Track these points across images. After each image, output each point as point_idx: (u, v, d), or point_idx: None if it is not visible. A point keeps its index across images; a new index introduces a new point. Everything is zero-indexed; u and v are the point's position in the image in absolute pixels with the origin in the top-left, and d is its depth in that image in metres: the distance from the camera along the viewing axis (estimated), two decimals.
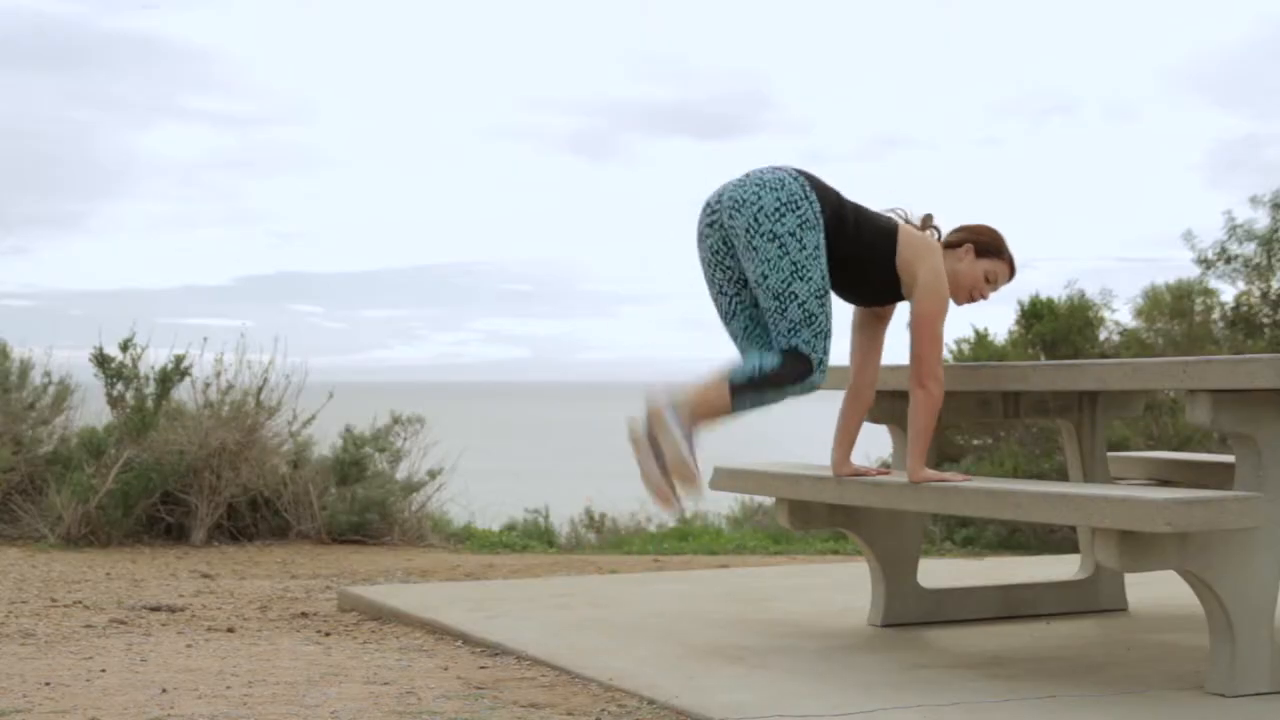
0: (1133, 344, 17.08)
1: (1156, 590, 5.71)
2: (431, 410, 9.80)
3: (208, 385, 8.78)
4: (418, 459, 9.22)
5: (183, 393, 8.81)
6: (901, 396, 4.76)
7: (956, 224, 4.60)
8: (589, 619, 5.25)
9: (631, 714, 3.82)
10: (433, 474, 9.18)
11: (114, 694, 4.07)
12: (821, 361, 4.18)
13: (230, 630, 5.32)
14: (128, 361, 8.70)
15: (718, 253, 4.32)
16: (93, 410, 9.00)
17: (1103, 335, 17.36)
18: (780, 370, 4.14)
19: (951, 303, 4.46)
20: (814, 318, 4.15)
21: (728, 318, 4.34)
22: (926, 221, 4.56)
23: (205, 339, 8.92)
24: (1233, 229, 17.60)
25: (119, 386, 8.70)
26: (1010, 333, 17.41)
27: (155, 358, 8.78)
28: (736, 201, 4.20)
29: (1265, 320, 17.20)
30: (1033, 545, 13.61)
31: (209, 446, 8.40)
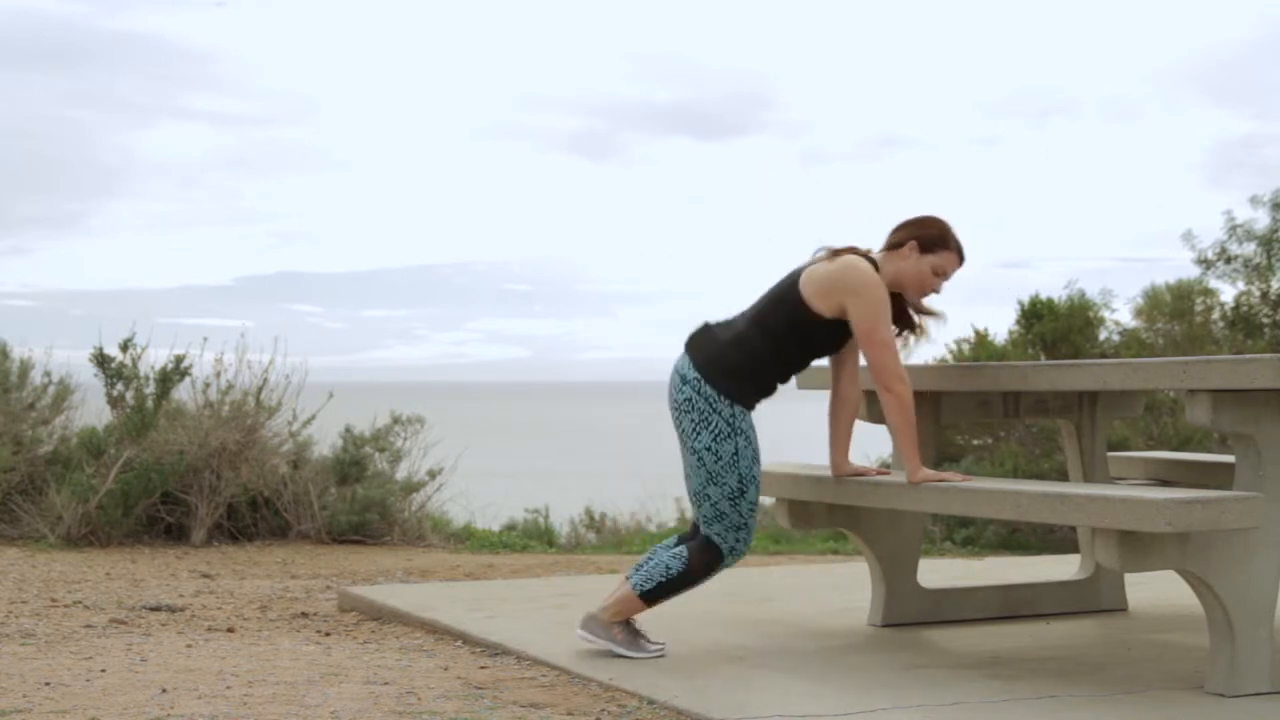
0: (1133, 344, 17.07)
1: (1156, 590, 5.72)
2: (431, 410, 9.80)
3: (208, 385, 8.78)
4: (418, 459, 9.23)
5: (183, 393, 8.81)
6: None
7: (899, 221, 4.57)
8: None
9: (631, 714, 3.83)
10: (433, 474, 9.18)
11: (114, 694, 4.07)
12: (733, 549, 4.47)
13: (230, 630, 5.32)
14: (128, 361, 8.70)
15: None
16: (93, 410, 9.00)
17: (1103, 335, 17.35)
18: (687, 569, 4.48)
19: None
20: (724, 515, 4.44)
21: (686, 477, 4.58)
22: (837, 252, 4.52)
23: (205, 339, 8.93)
24: (1233, 229, 17.60)
25: (119, 386, 8.70)
26: (1010, 333, 17.40)
27: (155, 358, 8.78)
28: (673, 418, 4.54)
29: (1265, 320, 17.19)
30: (1033, 545, 13.60)
31: (209, 446, 8.40)
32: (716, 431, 4.41)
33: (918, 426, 4.51)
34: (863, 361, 4.59)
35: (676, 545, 4.55)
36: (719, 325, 4.53)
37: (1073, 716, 3.71)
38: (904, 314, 4.57)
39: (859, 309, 4.38)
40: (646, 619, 4.59)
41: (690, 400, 4.44)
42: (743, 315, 4.53)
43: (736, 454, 4.41)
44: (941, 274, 4.52)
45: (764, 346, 4.44)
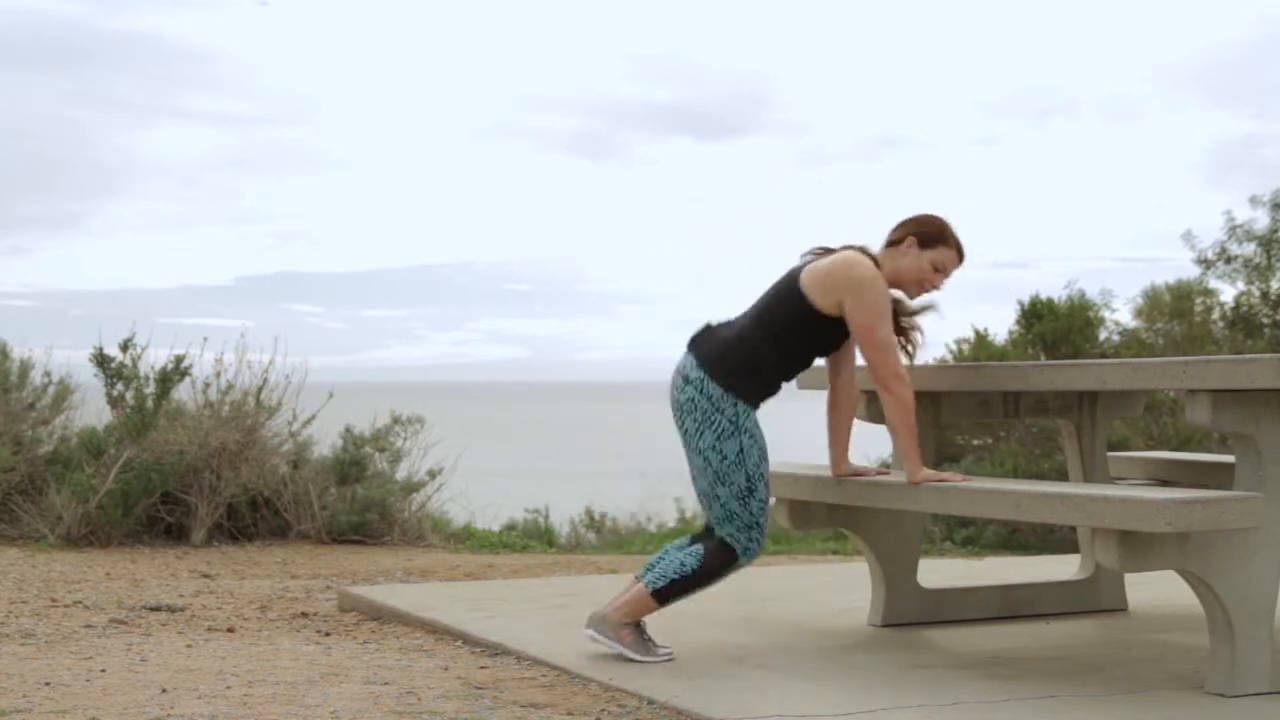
0: (1133, 344, 17.08)
1: (1156, 590, 5.72)
2: (431, 410, 9.80)
3: (208, 385, 8.78)
4: (418, 459, 9.22)
5: (183, 393, 8.81)
6: None
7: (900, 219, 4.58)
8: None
9: (631, 714, 3.83)
10: (433, 474, 9.18)
11: (114, 694, 4.07)
12: (746, 549, 4.45)
13: (230, 630, 5.32)
14: (128, 361, 8.70)
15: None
16: (93, 410, 9.00)
17: (1103, 335, 17.36)
18: (701, 567, 4.45)
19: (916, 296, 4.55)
20: (735, 515, 4.42)
21: (692, 479, 4.55)
22: (826, 250, 4.54)
23: (205, 339, 8.93)
24: (1232, 229, 17.61)
25: (119, 386, 8.70)
26: (1010, 333, 17.42)
27: (155, 358, 8.78)
28: (676, 420, 4.52)
29: (1265, 320, 17.20)
30: (1033, 545, 13.61)
31: (209, 446, 8.40)
32: (720, 430, 4.39)
33: (918, 426, 4.51)
34: (860, 361, 4.59)
35: (691, 544, 4.52)
36: (721, 325, 4.52)
37: (1073, 716, 3.71)
38: (896, 320, 4.54)
39: (858, 307, 4.37)
40: (653, 620, 4.58)
41: (693, 400, 4.43)
42: (744, 314, 4.53)
43: (741, 452, 4.39)
44: (941, 270, 4.51)
45: (766, 344, 4.43)
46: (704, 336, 4.51)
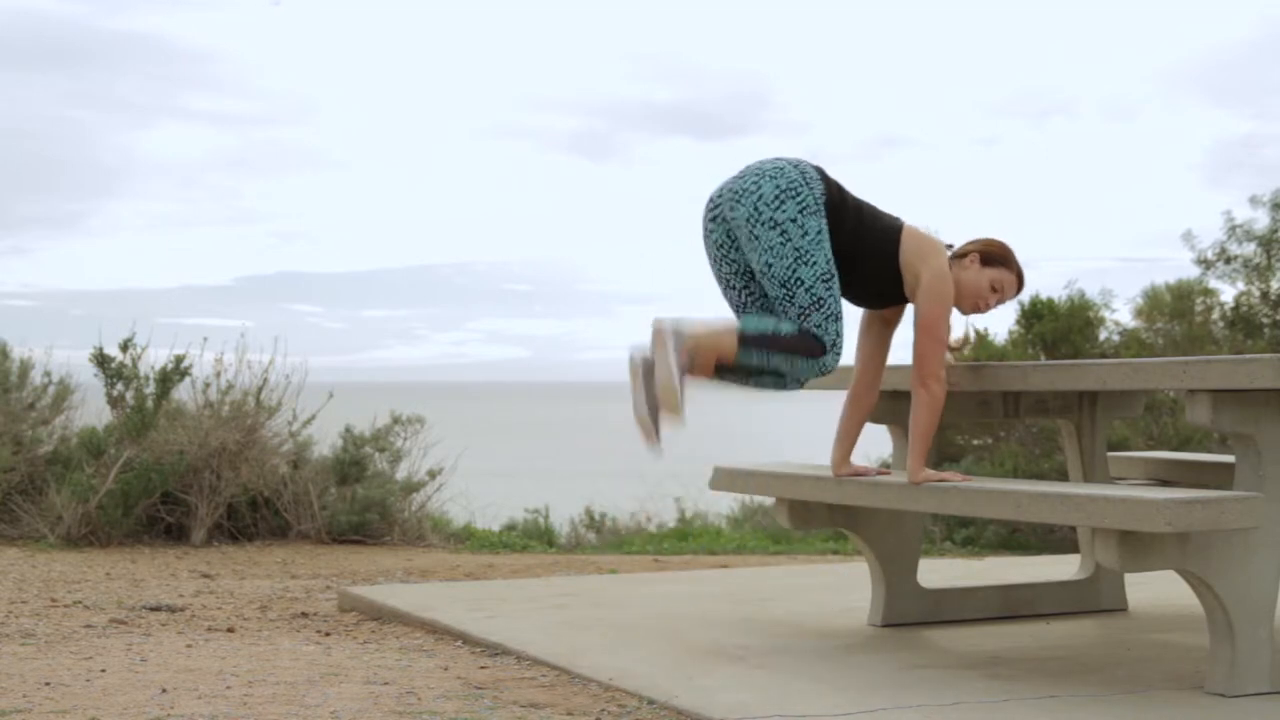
0: (1133, 344, 17.07)
1: (1156, 590, 5.72)
2: (431, 410, 9.80)
3: (208, 385, 8.78)
4: (418, 459, 9.22)
5: (183, 393, 8.81)
6: (901, 396, 4.77)
7: (969, 234, 4.56)
8: (589, 619, 5.25)
9: (631, 714, 3.83)
10: (433, 474, 9.18)
11: (114, 694, 4.07)
12: (834, 343, 4.18)
13: (230, 630, 5.33)
14: (128, 361, 8.70)
15: (722, 247, 4.34)
16: (93, 410, 9.00)
17: (1103, 335, 17.34)
18: (795, 338, 4.13)
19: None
20: (822, 301, 4.15)
21: (739, 310, 4.34)
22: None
23: (205, 339, 8.93)
24: (1232, 229, 17.60)
25: (119, 386, 8.70)
26: (1010, 333, 17.40)
27: (155, 358, 8.79)
28: (736, 193, 4.24)
29: (1265, 320, 17.19)
30: (1033, 545, 13.60)
31: (209, 446, 8.40)
32: (805, 205, 4.15)
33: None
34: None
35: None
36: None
37: (1073, 716, 3.71)
38: None
39: (932, 293, 4.29)
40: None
41: (782, 170, 4.18)
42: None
43: (821, 233, 4.16)
44: (998, 291, 4.45)
45: (852, 215, 4.28)
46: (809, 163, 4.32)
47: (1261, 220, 17.56)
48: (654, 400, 4.10)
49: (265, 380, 8.87)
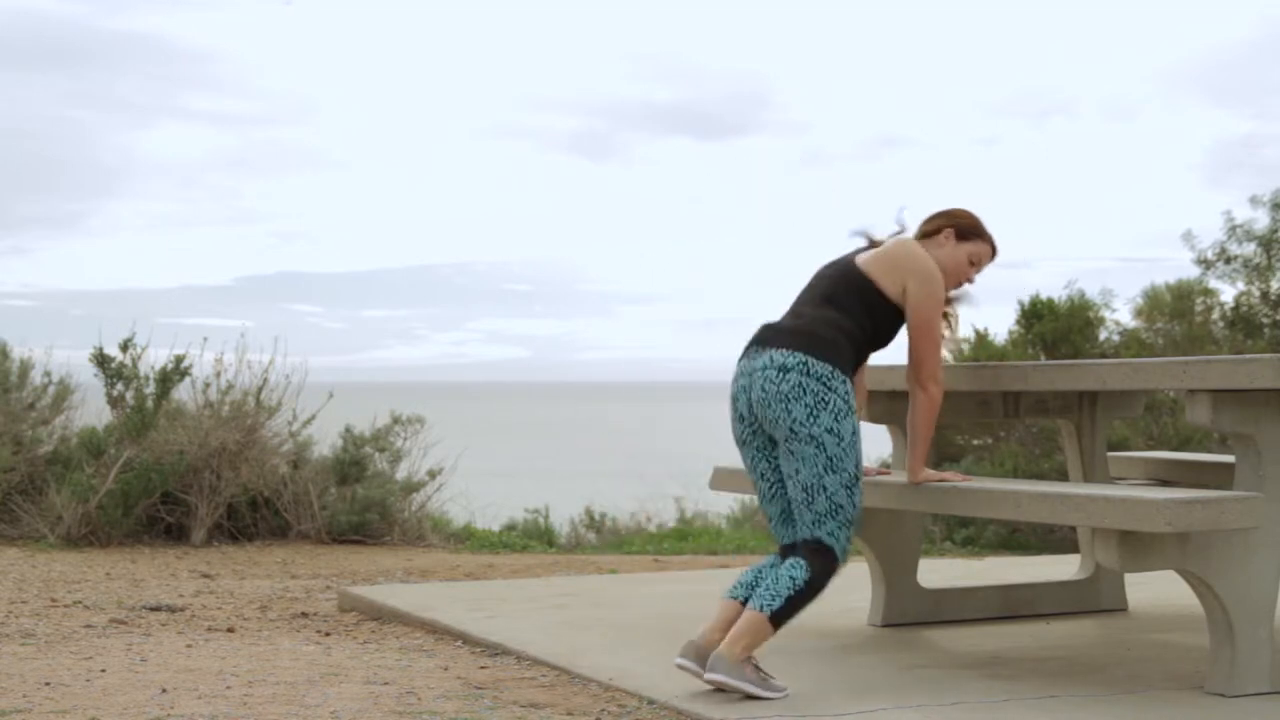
0: (1133, 344, 17.07)
1: (1156, 590, 5.72)
2: (431, 410, 9.80)
3: (208, 385, 8.79)
4: (418, 459, 9.23)
5: (183, 393, 8.82)
6: (899, 396, 4.76)
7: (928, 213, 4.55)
8: (589, 619, 5.25)
9: (631, 714, 3.83)
10: (433, 474, 9.18)
11: (114, 694, 4.07)
12: (845, 550, 4.15)
13: (230, 630, 5.32)
14: (128, 361, 8.70)
15: (762, 449, 4.28)
16: (93, 410, 9.00)
17: (1103, 335, 17.34)
18: (810, 580, 4.08)
19: None
20: (840, 510, 4.12)
21: (767, 500, 4.31)
22: (874, 243, 4.46)
23: (205, 339, 8.94)
24: (1232, 229, 17.60)
25: (119, 386, 8.70)
26: (1010, 333, 17.40)
27: (155, 358, 8.79)
28: (771, 417, 4.17)
29: (1265, 320, 17.19)
30: (1033, 545, 13.60)
31: (209, 446, 8.40)
32: (836, 411, 4.12)
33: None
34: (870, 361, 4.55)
35: (784, 559, 4.17)
36: (782, 320, 4.33)
37: (1073, 716, 3.71)
38: None
39: (921, 297, 4.28)
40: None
41: (800, 385, 4.12)
42: (803, 305, 4.33)
43: (854, 433, 4.15)
44: (976, 263, 4.46)
45: (849, 323, 4.26)
46: (775, 331, 4.27)
47: (1261, 220, 17.56)
48: (750, 681, 3.99)
49: (265, 380, 8.88)
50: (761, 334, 4.25)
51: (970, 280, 4.49)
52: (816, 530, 4.11)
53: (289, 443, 8.96)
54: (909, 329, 4.33)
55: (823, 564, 4.09)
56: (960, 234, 4.45)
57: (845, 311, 4.25)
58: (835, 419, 4.11)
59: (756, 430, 4.24)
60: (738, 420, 4.27)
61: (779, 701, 3.84)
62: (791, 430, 4.13)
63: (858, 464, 4.16)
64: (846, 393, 4.15)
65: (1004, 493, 4.11)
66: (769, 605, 4.01)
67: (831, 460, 4.10)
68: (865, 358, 4.34)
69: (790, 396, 4.12)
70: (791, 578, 4.05)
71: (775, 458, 4.25)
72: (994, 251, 4.51)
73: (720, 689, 3.95)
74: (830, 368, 4.13)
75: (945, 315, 4.48)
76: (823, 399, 4.12)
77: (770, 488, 4.26)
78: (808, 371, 4.13)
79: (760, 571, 4.18)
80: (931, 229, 4.47)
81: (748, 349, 4.26)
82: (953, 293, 4.51)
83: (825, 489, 4.10)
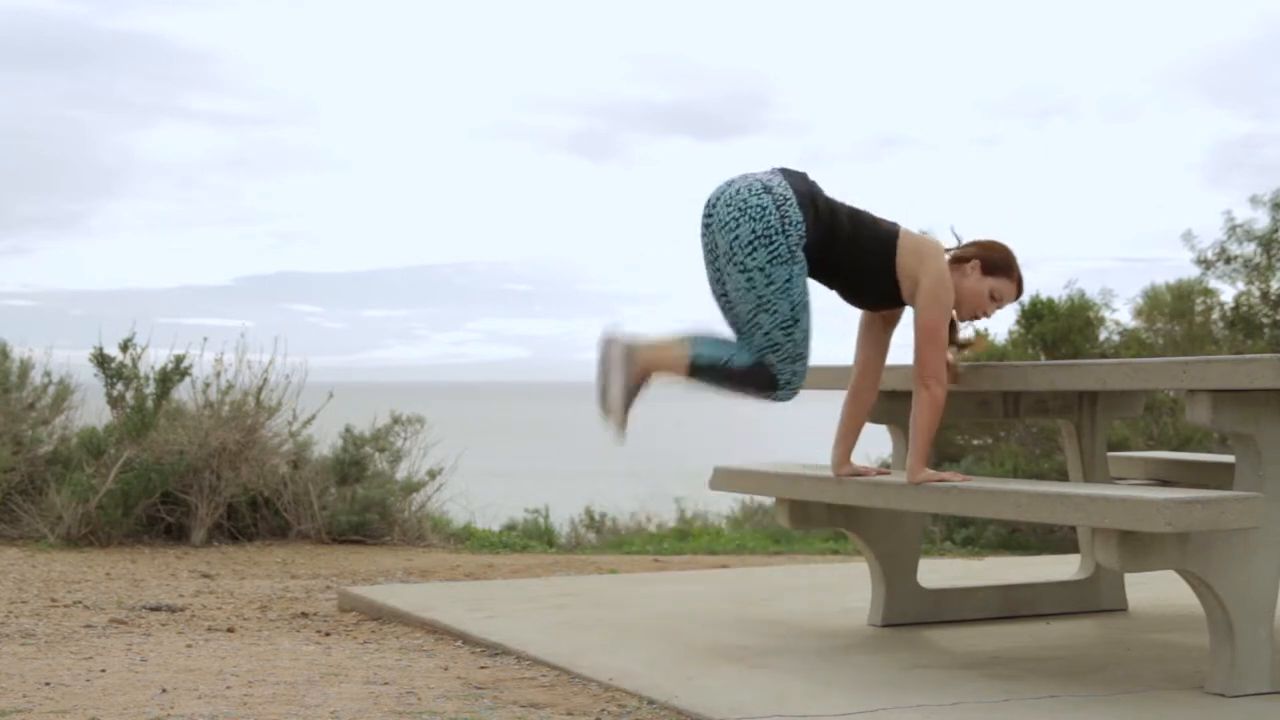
0: (1133, 344, 17.07)
1: (1156, 590, 5.72)
2: (431, 410, 9.80)
3: (208, 385, 8.78)
4: (418, 459, 9.23)
5: (183, 393, 8.82)
6: (900, 396, 4.77)
7: (971, 236, 4.55)
8: (589, 619, 5.25)
9: (631, 714, 3.83)
10: (433, 474, 9.18)
11: (114, 694, 4.07)
12: (789, 382, 4.24)
13: (230, 630, 5.33)
14: (128, 361, 8.70)
15: (711, 253, 4.37)
16: (93, 410, 9.00)
17: (1103, 335, 17.34)
18: (746, 371, 4.20)
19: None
20: (779, 346, 4.20)
21: (722, 309, 4.36)
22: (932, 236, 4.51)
23: (205, 339, 8.94)
24: (1232, 229, 17.60)
25: (119, 386, 8.70)
26: (1010, 333, 17.40)
27: (155, 358, 8.79)
28: (721, 222, 4.25)
29: (1265, 320, 17.19)
30: (1033, 545, 13.60)
31: (209, 446, 8.40)
32: (775, 253, 4.15)
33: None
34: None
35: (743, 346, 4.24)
36: (814, 181, 4.34)
37: (1073, 716, 3.71)
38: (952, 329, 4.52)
39: (931, 297, 4.30)
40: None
41: (764, 209, 4.16)
42: (846, 207, 4.34)
43: (789, 281, 4.17)
44: (998, 299, 4.46)
45: (845, 224, 4.28)
46: (802, 175, 4.31)
47: (1261, 220, 17.56)
48: (628, 389, 4.16)
49: (265, 380, 8.88)
50: (795, 170, 4.33)
51: (988, 314, 4.50)
52: (762, 357, 4.21)
53: (289, 443, 8.96)
54: (915, 327, 4.35)
55: (762, 376, 4.20)
56: (987, 268, 4.45)
57: (852, 221, 4.29)
58: (771, 261, 4.15)
59: (712, 242, 4.31)
60: (703, 226, 4.34)
61: (779, 701, 3.85)
62: (730, 249, 4.19)
63: (796, 305, 4.18)
64: (797, 245, 4.17)
65: (1004, 493, 4.11)
66: (697, 355, 4.18)
67: (761, 301, 4.16)
68: (829, 270, 4.33)
69: (748, 212, 4.18)
70: (732, 357, 4.19)
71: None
72: (1020, 290, 4.51)
73: (606, 366, 4.14)
74: (800, 223, 4.18)
75: (957, 344, 4.50)
76: (769, 236, 4.16)
77: (721, 300, 4.32)
78: (780, 207, 4.18)
79: (717, 340, 4.25)
80: (963, 255, 4.47)
81: (781, 169, 4.33)
82: (966, 323, 4.53)
83: (759, 326, 4.18)
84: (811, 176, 4.37)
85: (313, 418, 9.06)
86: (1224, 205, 27.16)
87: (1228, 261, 17.58)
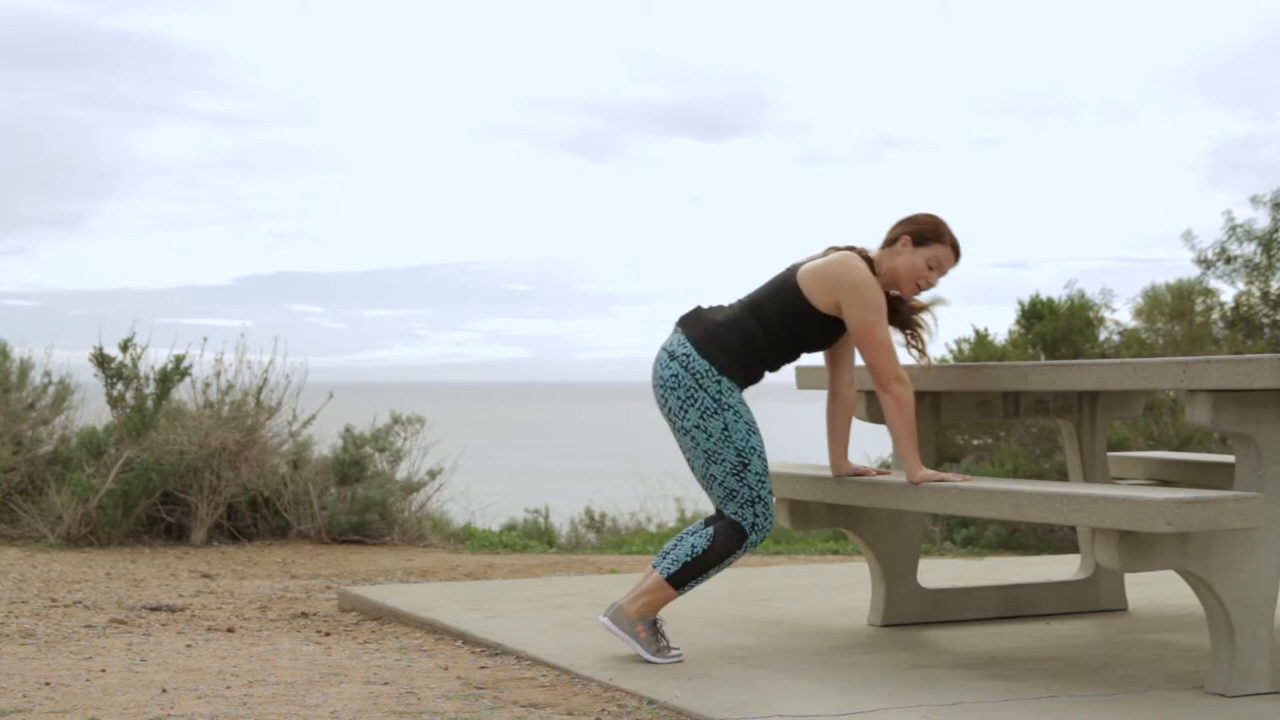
0: (1133, 344, 17.07)
1: (1156, 590, 5.72)
2: (431, 410, 9.80)
3: (208, 385, 8.79)
4: (418, 459, 9.23)
5: (183, 393, 8.82)
6: None
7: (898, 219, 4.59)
8: (589, 619, 5.25)
9: (631, 714, 3.83)
10: (433, 474, 9.19)
11: (114, 694, 4.07)
12: (755, 524, 4.39)
13: (230, 630, 5.33)
14: (128, 361, 8.70)
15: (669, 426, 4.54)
16: (93, 410, 9.00)
17: (1103, 335, 17.33)
18: (713, 547, 4.38)
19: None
20: (734, 493, 4.36)
21: (688, 465, 4.53)
22: (834, 249, 4.56)
23: (205, 339, 8.95)
24: (1232, 229, 17.59)
25: (119, 386, 8.70)
26: (1010, 333, 17.39)
27: (155, 358, 8.79)
28: (658, 401, 4.47)
29: (1265, 320, 17.19)
30: (1033, 545, 13.59)
31: (209, 446, 8.40)
32: (703, 408, 4.36)
33: (918, 426, 4.51)
34: (859, 360, 4.60)
35: (704, 528, 4.45)
36: (712, 309, 4.52)
37: (1073, 716, 3.71)
38: (901, 315, 4.57)
39: (854, 308, 4.39)
40: (669, 615, 4.58)
41: (676, 376, 4.39)
42: (738, 302, 4.53)
43: (726, 429, 4.36)
44: (936, 267, 4.51)
45: (757, 331, 4.43)
46: (694, 317, 4.50)
47: (1261, 220, 17.55)
48: (642, 644, 4.43)
49: (265, 380, 8.88)
50: (685, 314, 4.51)
51: (931, 284, 4.55)
52: (725, 508, 4.40)
53: (289, 443, 8.96)
54: (854, 340, 4.46)
55: (730, 539, 4.37)
56: (917, 239, 4.52)
57: (762, 322, 4.44)
58: (702, 417, 4.36)
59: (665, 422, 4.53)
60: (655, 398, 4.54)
61: (779, 701, 3.85)
62: (669, 417, 4.44)
63: (742, 451, 4.35)
64: (719, 391, 4.36)
65: (1004, 493, 4.12)
66: (667, 569, 4.39)
67: (709, 454, 4.37)
68: (782, 362, 4.52)
69: (668, 385, 4.42)
70: (693, 545, 4.39)
71: None
72: (956, 254, 4.55)
73: (620, 637, 4.41)
74: (708, 365, 4.38)
75: (914, 324, 4.54)
76: (691, 396, 4.38)
77: (683, 451, 4.48)
78: (686, 366, 4.39)
79: (680, 538, 4.45)
80: (891, 237, 4.55)
81: (677, 321, 4.53)
82: (919, 297, 4.55)
83: (714, 477, 4.38)
84: (703, 306, 4.52)
85: (313, 418, 9.06)
86: (1224, 205, 27.18)
87: (1228, 261, 17.58)
